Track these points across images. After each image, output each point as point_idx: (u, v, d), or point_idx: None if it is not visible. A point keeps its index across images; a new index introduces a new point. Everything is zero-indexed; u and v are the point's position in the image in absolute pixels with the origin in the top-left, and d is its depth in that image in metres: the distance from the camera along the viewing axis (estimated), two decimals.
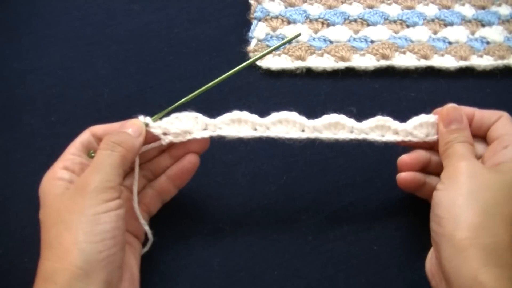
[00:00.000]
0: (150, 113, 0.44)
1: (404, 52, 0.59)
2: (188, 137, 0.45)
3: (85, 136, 0.45)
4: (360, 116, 0.47)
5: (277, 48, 0.49)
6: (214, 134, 0.46)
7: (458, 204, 0.40)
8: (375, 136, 0.47)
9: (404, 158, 0.47)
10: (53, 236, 0.38)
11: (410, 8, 0.63)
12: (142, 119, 0.45)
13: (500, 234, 0.38)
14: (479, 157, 0.45)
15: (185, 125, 0.45)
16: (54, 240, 0.38)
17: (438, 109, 0.47)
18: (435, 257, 0.42)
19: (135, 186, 0.44)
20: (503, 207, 0.39)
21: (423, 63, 0.58)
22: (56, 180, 0.41)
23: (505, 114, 0.46)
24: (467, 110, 0.47)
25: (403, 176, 0.47)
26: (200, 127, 0.46)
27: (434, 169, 0.47)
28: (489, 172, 0.41)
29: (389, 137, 0.47)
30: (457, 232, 0.38)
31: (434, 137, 0.47)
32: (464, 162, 0.42)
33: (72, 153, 0.44)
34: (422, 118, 0.47)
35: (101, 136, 0.44)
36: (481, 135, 0.46)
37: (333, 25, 0.62)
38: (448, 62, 0.59)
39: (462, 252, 0.37)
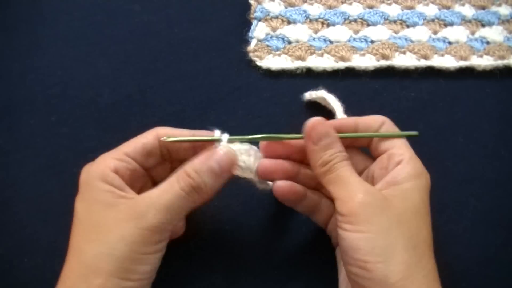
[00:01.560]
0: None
1: (404, 52, 0.59)
2: (246, 175, 0.43)
3: (150, 139, 0.41)
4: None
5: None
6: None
7: (381, 246, 0.36)
8: None
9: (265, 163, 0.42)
10: (92, 255, 0.36)
11: (410, 8, 0.63)
12: (224, 139, 0.41)
13: (427, 262, 0.37)
14: (361, 171, 0.43)
15: (250, 162, 0.42)
16: (91, 261, 0.36)
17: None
18: None
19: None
20: (419, 234, 0.38)
21: (423, 63, 0.58)
22: (106, 183, 0.38)
23: (387, 121, 0.42)
24: (347, 120, 0.44)
25: (279, 184, 0.42)
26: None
27: (307, 183, 0.44)
28: (392, 202, 0.38)
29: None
30: (390, 276, 0.36)
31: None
32: (363, 196, 0.38)
33: (129, 154, 0.40)
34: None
35: (168, 144, 0.41)
36: (365, 144, 0.43)
37: (333, 25, 0.62)
38: (448, 62, 0.59)
39: None
